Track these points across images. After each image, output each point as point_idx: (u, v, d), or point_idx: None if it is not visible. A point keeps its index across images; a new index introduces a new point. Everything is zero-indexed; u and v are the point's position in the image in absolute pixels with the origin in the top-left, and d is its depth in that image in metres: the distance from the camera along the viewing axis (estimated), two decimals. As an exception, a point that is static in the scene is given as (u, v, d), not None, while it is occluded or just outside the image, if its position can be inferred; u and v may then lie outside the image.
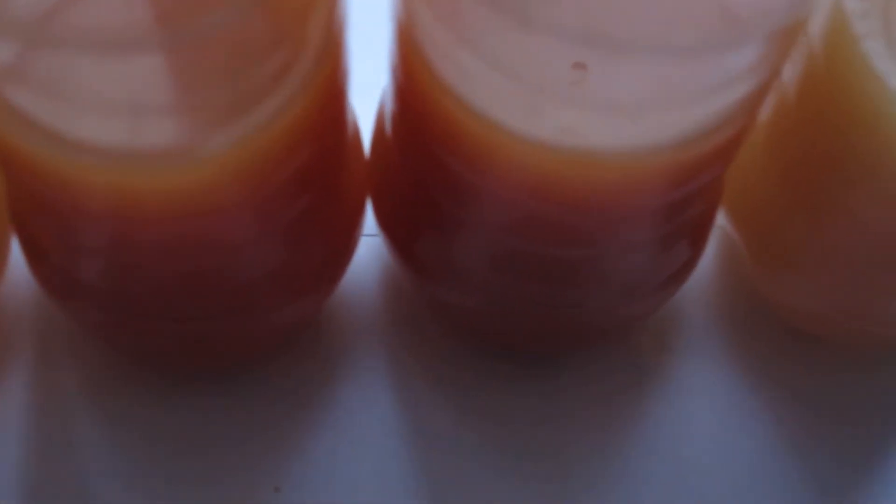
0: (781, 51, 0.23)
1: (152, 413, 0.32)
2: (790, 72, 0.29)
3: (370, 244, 0.34)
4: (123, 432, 0.32)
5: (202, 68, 0.20)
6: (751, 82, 0.23)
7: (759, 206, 0.33)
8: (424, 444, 0.33)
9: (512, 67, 0.22)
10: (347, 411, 0.33)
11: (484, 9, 0.21)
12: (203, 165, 0.22)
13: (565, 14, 0.20)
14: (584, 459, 0.33)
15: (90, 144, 0.22)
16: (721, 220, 0.35)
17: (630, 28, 0.21)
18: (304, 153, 0.24)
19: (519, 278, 0.29)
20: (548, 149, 0.23)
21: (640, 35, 0.21)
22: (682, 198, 0.27)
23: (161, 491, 0.31)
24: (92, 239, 0.26)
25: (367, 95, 0.31)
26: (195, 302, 0.28)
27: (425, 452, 0.33)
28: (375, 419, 0.33)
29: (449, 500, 0.32)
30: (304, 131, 0.23)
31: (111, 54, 0.19)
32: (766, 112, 0.31)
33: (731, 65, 0.22)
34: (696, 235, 0.30)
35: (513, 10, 0.20)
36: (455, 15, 0.22)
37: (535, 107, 0.23)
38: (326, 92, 0.23)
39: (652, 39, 0.21)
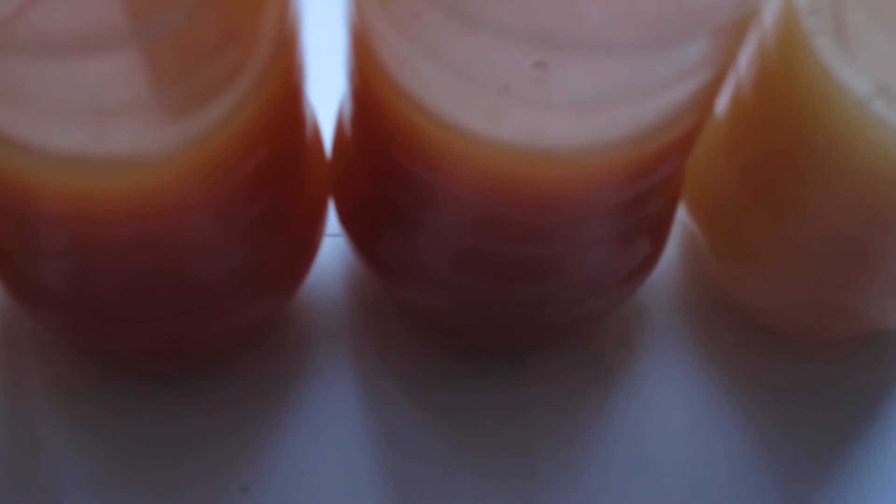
0: (732, 44, 0.23)
1: (118, 414, 0.32)
2: (747, 68, 0.30)
3: (335, 244, 0.34)
4: (89, 434, 0.32)
5: (155, 68, 0.20)
6: (703, 76, 0.23)
7: (719, 202, 0.33)
8: (390, 442, 0.33)
9: (466, 69, 0.22)
10: (314, 411, 0.33)
11: (434, 13, 0.21)
12: (159, 166, 0.22)
13: (516, 15, 0.20)
14: (549, 456, 0.33)
15: (47, 148, 0.22)
16: (683, 216, 0.35)
17: (583, 24, 0.21)
18: (260, 152, 0.24)
19: (481, 277, 0.29)
20: (504, 148, 0.24)
21: (593, 31, 0.21)
22: (641, 193, 0.27)
23: (128, 492, 0.31)
24: (53, 241, 0.26)
25: (330, 96, 0.31)
26: (158, 302, 0.28)
27: (391, 450, 0.33)
28: (341, 418, 0.33)
29: (414, 496, 0.32)
30: (260, 130, 0.23)
31: (67, 57, 0.19)
32: (724, 109, 0.32)
33: (683, 58, 0.22)
34: (657, 231, 0.31)
35: (463, 13, 0.20)
36: (407, 19, 0.22)
37: (490, 107, 0.23)
38: (281, 91, 0.24)
39: (606, 35, 0.21)
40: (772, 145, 0.29)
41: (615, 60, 0.22)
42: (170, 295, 0.28)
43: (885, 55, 0.24)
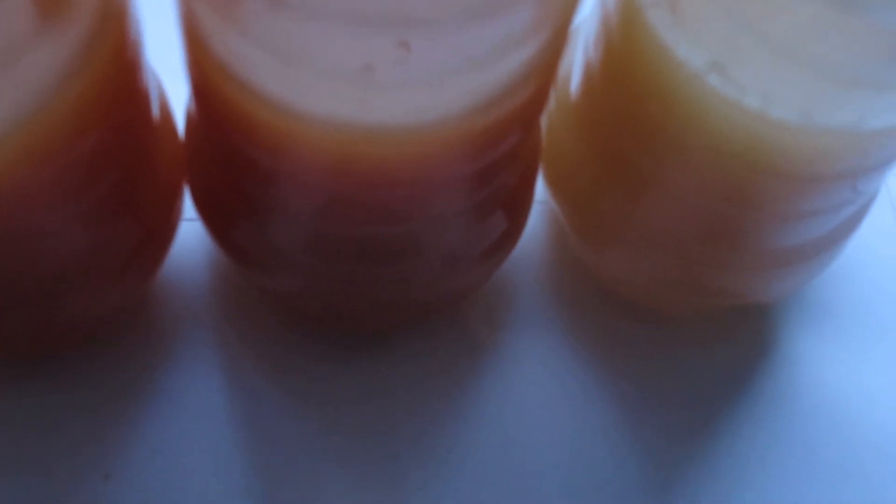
0: (561, 11, 0.23)
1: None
2: (594, 48, 0.30)
3: (197, 228, 0.34)
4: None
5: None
6: (533, 44, 0.23)
7: (578, 184, 0.33)
8: (255, 429, 0.33)
9: (292, 53, 0.22)
10: (177, 397, 0.33)
11: (281, 13, 0.21)
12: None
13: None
14: (415, 438, 0.33)
15: None
16: (547, 195, 0.35)
17: (414, 2, 0.21)
18: (95, 132, 0.24)
19: (336, 259, 0.29)
20: (338, 129, 0.23)
21: (425, 5, 0.21)
22: (487, 167, 0.27)
23: (-14, 481, 0.31)
24: None
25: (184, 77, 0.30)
26: (3, 290, 0.27)
27: (256, 437, 0.33)
28: (205, 404, 0.33)
29: (280, 483, 0.32)
30: (92, 109, 0.23)
31: None
32: (577, 89, 0.32)
33: (510, 26, 0.22)
34: (513, 207, 0.31)
35: (299, 4, 0.20)
36: (234, 8, 0.22)
37: (321, 89, 0.23)
38: (113, 67, 0.23)
39: (440, 8, 0.21)
40: (622, 124, 0.30)
41: (461, 32, 0.22)
42: (18, 279, 0.27)
43: (717, 29, 0.25)
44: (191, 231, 0.34)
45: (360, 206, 0.27)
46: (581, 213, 0.34)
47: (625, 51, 0.28)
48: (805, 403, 0.36)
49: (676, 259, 0.32)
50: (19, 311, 0.28)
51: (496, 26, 0.22)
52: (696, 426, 0.35)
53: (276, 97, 0.23)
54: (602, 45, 0.29)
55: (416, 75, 0.23)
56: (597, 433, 0.34)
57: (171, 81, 0.30)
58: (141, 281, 0.31)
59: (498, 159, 0.27)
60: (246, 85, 0.23)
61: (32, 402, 0.32)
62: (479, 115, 0.24)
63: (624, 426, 0.34)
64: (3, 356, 0.33)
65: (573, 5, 0.24)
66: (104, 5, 0.22)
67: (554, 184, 0.34)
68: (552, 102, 0.34)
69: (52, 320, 0.29)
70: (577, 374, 0.35)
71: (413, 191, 0.27)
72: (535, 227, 0.36)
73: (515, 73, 0.24)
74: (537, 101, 0.26)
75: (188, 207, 0.32)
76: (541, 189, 0.34)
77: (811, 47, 0.24)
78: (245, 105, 0.24)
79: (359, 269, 0.30)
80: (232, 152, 0.27)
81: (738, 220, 0.30)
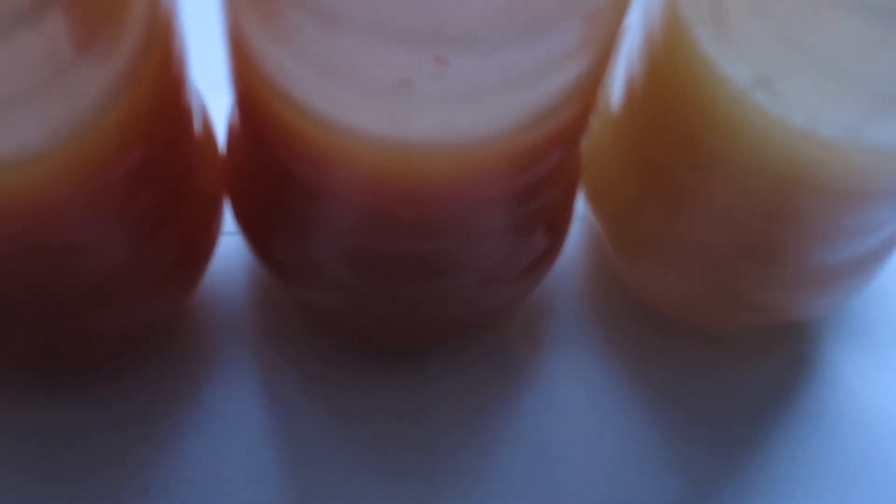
0: (608, 30, 0.23)
1: (15, 413, 0.32)
2: (637, 63, 0.30)
3: (237, 241, 0.34)
4: (-18, 436, 0.32)
5: (15, 64, 0.20)
6: (576, 64, 0.23)
7: (618, 198, 0.33)
8: (292, 443, 0.33)
9: (331, 66, 0.22)
10: (215, 411, 0.33)
11: (318, 26, 0.21)
12: (31, 165, 0.22)
13: (407, 15, 0.20)
14: (452, 454, 0.33)
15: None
16: (587, 211, 0.35)
17: (453, 18, 0.21)
18: (140, 148, 0.24)
19: (375, 275, 0.29)
20: (377, 145, 0.23)
21: (464, 22, 0.21)
22: (530, 185, 0.27)
23: (26, 493, 0.31)
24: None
25: (224, 88, 0.30)
26: (44, 303, 0.27)
27: (293, 451, 0.33)
28: (243, 418, 0.33)
29: (317, 497, 0.32)
30: (138, 125, 0.23)
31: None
32: (619, 104, 0.32)
33: (560, 44, 0.22)
34: (553, 224, 0.31)
35: (337, 17, 0.20)
36: (276, 21, 0.22)
37: (360, 104, 0.23)
38: (159, 82, 0.23)
39: (480, 25, 0.21)
40: (664, 140, 0.30)
41: (501, 49, 0.22)
42: (57, 292, 0.27)
43: (763, 45, 0.25)
44: (231, 245, 0.34)
45: (398, 222, 0.27)
46: (621, 228, 0.34)
47: (669, 66, 0.28)
48: (845, 421, 0.35)
49: (716, 275, 0.32)
50: (59, 324, 0.28)
51: (535, 46, 0.22)
52: (736, 443, 0.35)
53: (316, 111, 0.23)
54: (645, 61, 0.29)
55: (453, 91, 0.22)
56: (635, 450, 0.34)
57: (211, 94, 0.30)
58: (181, 294, 0.31)
59: (539, 178, 0.27)
60: (288, 98, 0.23)
61: (71, 415, 0.32)
62: (519, 135, 0.24)
63: (663, 443, 0.34)
64: (42, 369, 0.33)
65: (617, 25, 0.24)
66: (151, 23, 0.22)
67: (594, 199, 0.34)
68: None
69: (92, 333, 0.30)
70: (615, 389, 0.35)
71: (452, 208, 0.27)
72: (574, 242, 0.36)
73: (558, 92, 0.24)
74: (580, 120, 0.26)
75: (228, 221, 0.32)
76: (580, 204, 0.34)
77: (859, 63, 0.24)
78: (287, 118, 0.24)
79: (397, 285, 0.30)
80: (273, 166, 0.27)
81: (779, 236, 0.30)
